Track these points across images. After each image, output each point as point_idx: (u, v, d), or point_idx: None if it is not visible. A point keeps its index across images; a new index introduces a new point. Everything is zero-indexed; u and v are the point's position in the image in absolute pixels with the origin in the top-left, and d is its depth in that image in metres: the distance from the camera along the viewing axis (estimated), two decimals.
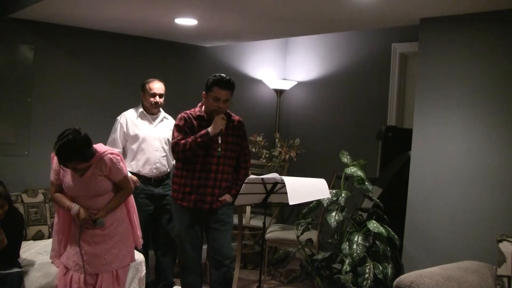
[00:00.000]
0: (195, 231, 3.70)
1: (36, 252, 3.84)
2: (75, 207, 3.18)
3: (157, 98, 4.30)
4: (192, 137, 3.54)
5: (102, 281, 3.26)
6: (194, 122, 3.63)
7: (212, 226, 3.69)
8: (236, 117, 3.77)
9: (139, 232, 3.51)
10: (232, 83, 3.59)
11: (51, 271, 3.58)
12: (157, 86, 4.31)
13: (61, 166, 3.14)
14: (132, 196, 3.49)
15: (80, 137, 3.08)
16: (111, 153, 3.25)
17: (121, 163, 3.29)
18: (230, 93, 3.58)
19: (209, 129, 3.52)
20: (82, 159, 3.11)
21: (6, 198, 3.41)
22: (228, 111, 3.71)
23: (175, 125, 3.67)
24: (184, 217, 3.69)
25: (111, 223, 3.27)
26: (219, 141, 3.54)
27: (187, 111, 3.70)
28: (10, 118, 4.48)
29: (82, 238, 3.22)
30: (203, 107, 3.69)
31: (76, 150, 3.06)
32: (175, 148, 3.57)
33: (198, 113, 3.67)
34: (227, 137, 3.64)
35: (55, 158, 3.17)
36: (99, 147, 3.27)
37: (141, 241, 3.55)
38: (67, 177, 3.22)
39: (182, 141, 3.54)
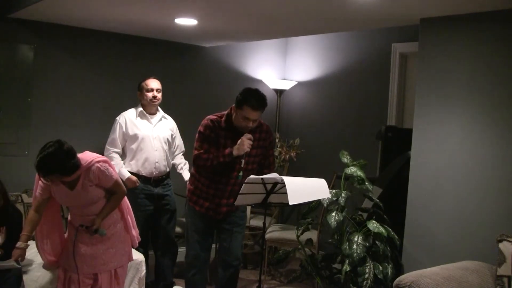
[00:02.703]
0: (206, 232, 3.69)
1: (36, 252, 3.84)
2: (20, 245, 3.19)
3: (155, 93, 4.30)
4: (214, 153, 3.42)
5: (101, 281, 3.26)
6: (220, 132, 3.47)
7: (225, 227, 3.67)
8: (264, 127, 3.60)
9: (134, 232, 3.49)
10: (265, 103, 3.38)
11: (51, 270, 3.57)
12: (153, 82, 4.33)
13: (41, 179, 3.05)
14: (126, 198, 3.44)
15: (62, 150, 2.97)
16: (98, 161, 3.15)
17: (110, 169, 3.21)
18: (261, 112, 3.42)
19: (234, 149, 3.38)
20: (62, 173, 3.01)
21: (2, 193, 3.39)
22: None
23: (200, 132, 3.50)
24: (196, 219, 3.67)
25: (107, 225, 3.27)
26: (242, 165, 3.39)
27: (213, 118, 3.51)
28: (10, 118, 4.47)
29: (79, 239, 3.21)
30: (231, 115, 3.49)
31: (57, 163, 2.96)
32: (197, 161, 3.47)
33: (225, 124, 3.48)
34: (251, 149, 3.47)
35: None
36: (85, 156, 3.17)
37: (138, 239, 3.52)
38: (59, 192, 3.17)
39: (204, 156, 3.42)
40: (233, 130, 3.48)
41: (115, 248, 3.31)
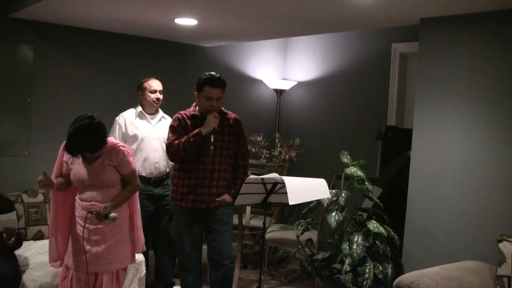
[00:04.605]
0: (194, 231, 3.70)
1: (36, 252, 3.84)
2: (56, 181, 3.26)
3: (158, 94, 4.32)
4: (185, 137, 3.54)
5: (102, 281, 3.25)
6: (188, 122, 3.63)
7: (212, 226, 3.69)
8: (232, 115, 3.75)
9: (141, 236, 3.50)
10: (222, 81, 3.59)
11: (51, 270, 3.57)
12: (156, 83, 4.34)
13: (68, 153, 3.18)
14: (138, 199, 3.49)
15: (93, 124, 3.13)
16: (124, 146, 3.33)
17: (131, 158, 3.34)
18: (222, 91, 3.58)
19: (202, 128, 3.53)
20: (90, 149, 3.16)
21: None
22: (224, 109, 3.71)
23: (170, 126, 3.67)
24: (183, 217, 3.69)
25: None
26: (212, 140, 3.54)
27: (182, 112, 3.70)
28: (10, 118, 4.48)
29: (84, 237, 3.21)
30: (197, 107, 3.69)
31: (88, 137, 3.11)
32: (169, 149, 3.59)
33: (192, 113, 3.66)
34: (223, 136, 3.63)
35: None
36: (110, 139, 3.33)
37: (143, 248, 3.52)
38: (76, 163, 3.26)
39: (176, 142, 3.55)
40: (200, 118, 3.62)
41: (118, 248, 3.30)
